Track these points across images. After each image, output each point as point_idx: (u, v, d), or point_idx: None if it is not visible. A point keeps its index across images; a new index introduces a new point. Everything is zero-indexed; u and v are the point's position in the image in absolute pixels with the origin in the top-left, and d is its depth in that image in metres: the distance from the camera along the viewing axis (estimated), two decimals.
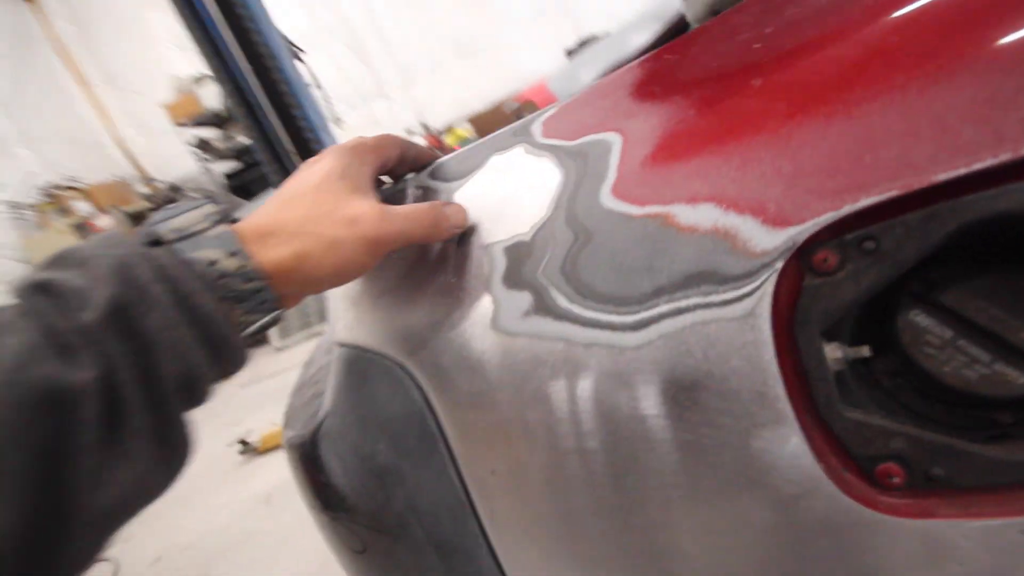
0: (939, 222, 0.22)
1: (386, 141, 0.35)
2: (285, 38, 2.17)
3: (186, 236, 0.27)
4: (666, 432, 0.27)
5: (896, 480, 0.24)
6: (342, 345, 0.38)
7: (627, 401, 0.27)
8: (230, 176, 5.05)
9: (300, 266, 0.28)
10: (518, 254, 0.31)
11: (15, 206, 4.45)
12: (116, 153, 5.64)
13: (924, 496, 0.24)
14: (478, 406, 0.31)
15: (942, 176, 0.22)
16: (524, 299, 0.30)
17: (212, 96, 4.57)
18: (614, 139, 0.30)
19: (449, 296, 0.33)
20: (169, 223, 0.28)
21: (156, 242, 0.28)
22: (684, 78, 0.30)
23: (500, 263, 0.31)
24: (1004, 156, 0.21)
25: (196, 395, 0.26)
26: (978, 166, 0.21)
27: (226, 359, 0.27)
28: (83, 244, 0.26)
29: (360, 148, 0.33)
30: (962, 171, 0.21)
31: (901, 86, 0.23)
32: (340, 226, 0.29)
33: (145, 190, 5.53)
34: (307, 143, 2.12)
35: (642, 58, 0.33)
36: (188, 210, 0.29)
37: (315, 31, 4.77)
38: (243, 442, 2.51)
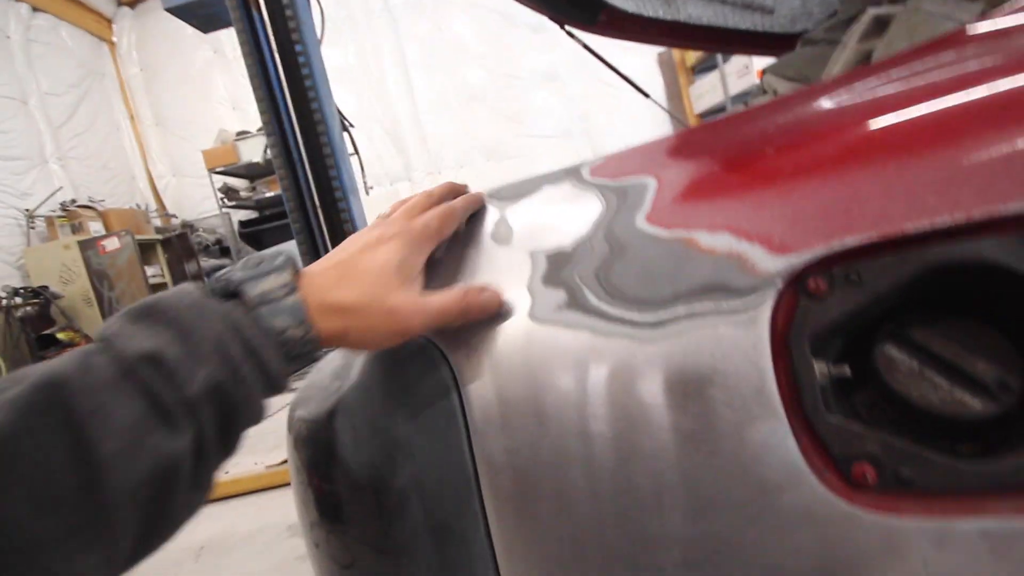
0: (907, 265, 0.28)
1: (449, 222, 0.40)
2: (339, 110, 2.39)
3: (267, 302, 0.33)
4: (670, 419, 0.30)
5: (869, 479, 0.27)
6: None
7: (639, 389, 0.31)
8: (245, 224, 5.23)
9: (344, 338, 0.35)
10: (558, 259, 0.36)
11: (32, 215, 4.54)
12: (144, 185, 5.87)
13: (893, 495, 0.27)
14: (504, 386, 0.35)
15: (911, 228, 0.28)
16: (559, 295, 0.35)
17: (250, 150, 4.87)
18: (650, 181, 0.36)
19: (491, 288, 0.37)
20: (256, 285, 0.33)
21: (234, 294, 0.33)
22: (711, 146, 0.38)
23: (541, 265, 0.37)
24: (958, 217, 0.27)
25: (254, 425, 0.33)
26: (937, 223, 0.27)
27: (277, 395, 0.34)
28: (173, 299, 0.31)
29: (422, 237, 0.38)
30: (925, 226, 0.28)
31: (883, 160, 0.30)
32: (381, 315, 0.35)
33: (158, 223, 5.68)
34: (335, 202, 2.25)
35: (674, 133, 0.41)
36: (269, 272, 0.34)
37: (360, 112, 5.22)
38: None
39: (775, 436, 0.28)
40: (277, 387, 0.33)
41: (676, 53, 5.02)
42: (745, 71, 4.26)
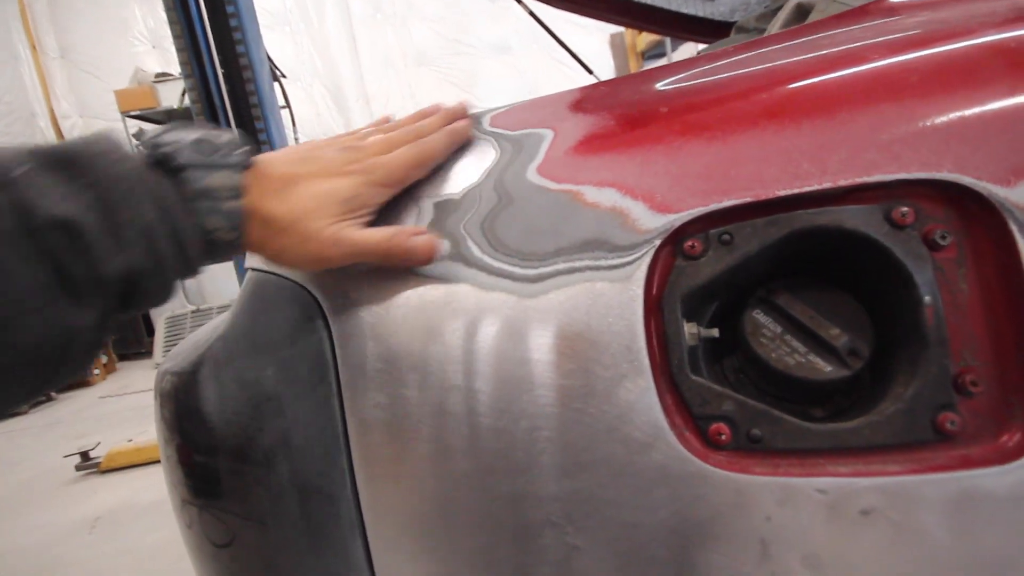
0: (776, 227, 0.28)
1: (419, 169, 0.35)
2: (269, 58, 2.22)
3: (208, 198, 0.30)
4: (545, 376, 0.29)
5: (724, 438, 0.28)
6: (255, 270, 0.38)
7: (517, 345, 0.30)
8: None
9: (262, 248, 0.33)
10: (446, 208, 0.34)
11: None
12: (46, 124, 5.27)
13: (744, 455, 0.27)
14: (379, 338, 0.33)
15: (781, 192, 0.28)
16: (443, 246, 0.33)
17: (171, 94, 4.46)
18: (547, 133, 0.35)
19: None
20: (203, 177, 0.30)
21: (174, 170, 0.30)
22: (610, 101, 0.37)
23: (428, 213, 0.34)
24: (826, 184, 0.27)
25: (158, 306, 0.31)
26: (806, 189, 0.28)
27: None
28: (97, 154, 0.27)
29: (383, 184, 0.34)
30: (795, 191, 0.28)
31: (761, 127, 0.29)
32: (298, 238, 0.32)
33: None
34: None
35: (582, 86, 0.39)
36: (221, 167, 0.31)
37: (298, 63, 4.90)
38: (84, 455, 2.19)
39: (641, 395, 0.28)
40: (189, 275, 0.31)
41: (628, 37, 5.04)
42: None
